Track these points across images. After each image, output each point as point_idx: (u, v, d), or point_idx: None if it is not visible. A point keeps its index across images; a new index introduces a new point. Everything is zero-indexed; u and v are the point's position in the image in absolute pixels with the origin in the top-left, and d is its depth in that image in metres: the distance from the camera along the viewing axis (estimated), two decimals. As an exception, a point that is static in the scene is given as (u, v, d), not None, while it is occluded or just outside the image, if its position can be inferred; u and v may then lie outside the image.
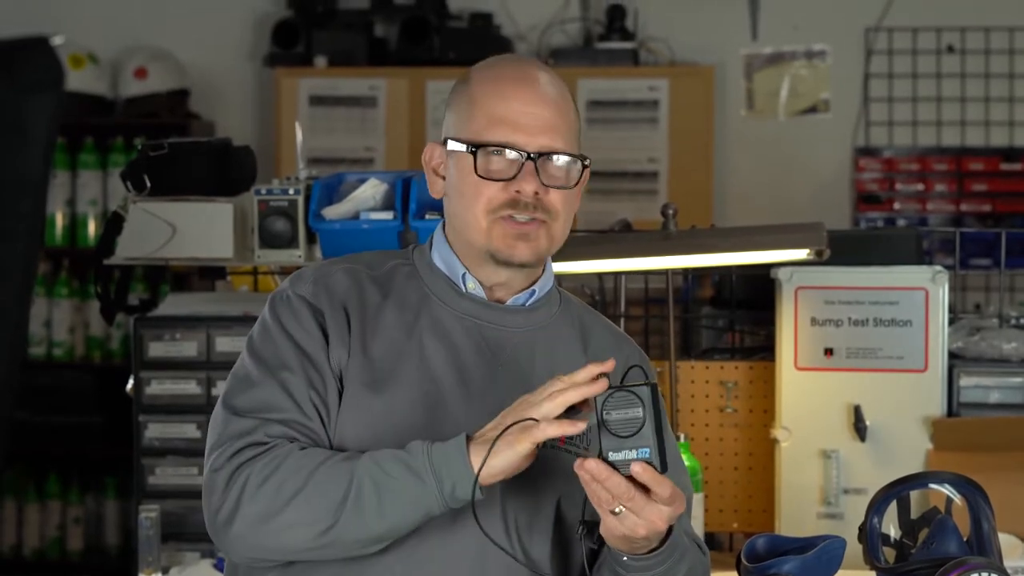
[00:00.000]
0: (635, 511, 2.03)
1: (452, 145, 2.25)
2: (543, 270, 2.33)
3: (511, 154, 2.20)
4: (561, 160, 2.22)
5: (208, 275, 3.73)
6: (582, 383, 2.05)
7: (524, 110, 2.22)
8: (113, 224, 3.56)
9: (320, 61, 6.34)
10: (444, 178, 2.29)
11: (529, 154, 2.20)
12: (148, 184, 3.52)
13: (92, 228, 6.19)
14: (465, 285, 2.27)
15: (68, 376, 6.24)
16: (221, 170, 3.59)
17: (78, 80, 6.13)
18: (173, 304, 3.72)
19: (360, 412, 2.18)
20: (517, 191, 2.20)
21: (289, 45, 6.38)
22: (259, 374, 2.19)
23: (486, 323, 2.26)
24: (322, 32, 6.37)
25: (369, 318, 2.23)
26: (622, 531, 2.06)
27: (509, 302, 2.29)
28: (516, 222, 2.21)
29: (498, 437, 2.05)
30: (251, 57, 6.56)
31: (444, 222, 2.33)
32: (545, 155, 2.21)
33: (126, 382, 3.60)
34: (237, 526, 2.12)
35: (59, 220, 6.21)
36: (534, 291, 2.30)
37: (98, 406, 6.17)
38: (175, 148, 3.56)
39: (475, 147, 2.21)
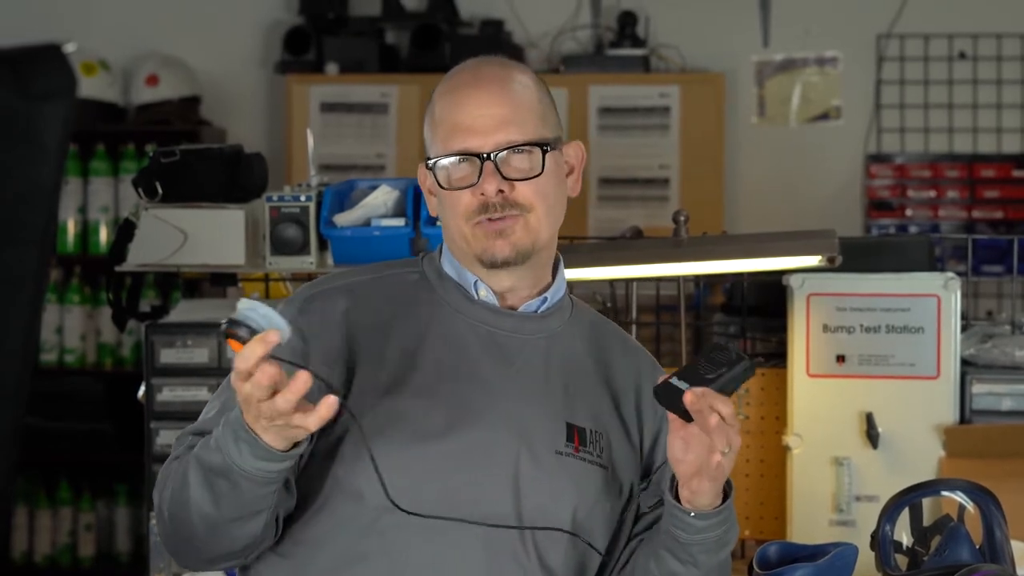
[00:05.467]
0: (731, 442, 2.10)
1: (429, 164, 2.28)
2: (554, 278, 2.33)
3: (470, 159, 2.22)
4: (521, 151, 2.23)
5: (219, 282, 3.72)
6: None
7: (475, 112, 2.23)
8: (125, 231, 3.57)
9: (331, 68, 6.34)
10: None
11: (485, 155, 2.22)
12: (160, 191, 3.52)
13: (104, 235, 6.20)
14: (477, 292, 2.28)
15: (79, 383, 6.24)
16: (233, 177, 3.59)
17: (90, 87, 6.14)
18: (184, 311, 3.73)
19: (377, 419, 2.18)
20: (482, 193, 2.22)
21: (300, 52, 6.38)
22: (215, 396, 2.23)
23: (499, 330, 2.27)
24: (333, 39, 6.37)
25: (376, 331, 2.24)
26: (722, 470, 2.10)
27: (521, 309, 2.30)
28: (490, 221, 2.23)
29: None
30: (262, 64, 6.57)
31: None
32: (505, 151, 2.22)
33: (137, 389, 3.60)
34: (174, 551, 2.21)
35: (71, 227, 6.22)
36: (546, 298, 2.31)
37: (109, 413, 6.18)
38: (187, 155, 3.56)
39: (433, 162, 2.24)
